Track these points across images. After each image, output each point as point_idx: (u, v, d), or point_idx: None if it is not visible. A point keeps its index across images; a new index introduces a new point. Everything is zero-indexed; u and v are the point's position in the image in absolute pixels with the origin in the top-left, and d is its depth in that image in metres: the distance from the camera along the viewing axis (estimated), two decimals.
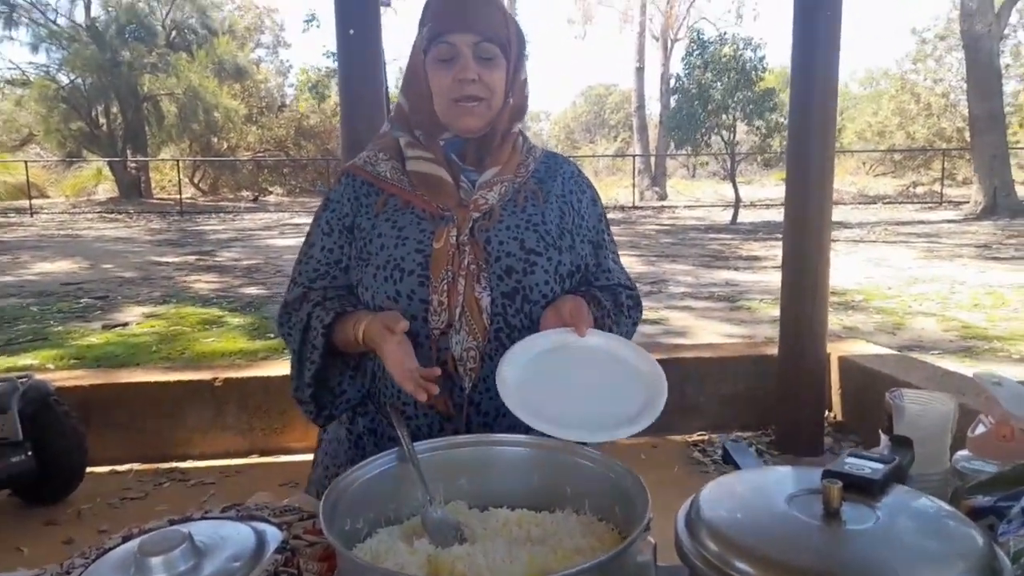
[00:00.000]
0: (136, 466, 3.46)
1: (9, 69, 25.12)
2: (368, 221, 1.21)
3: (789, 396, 3.61)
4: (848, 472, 0.72)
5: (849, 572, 0.61)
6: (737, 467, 1.05)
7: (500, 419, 1.15)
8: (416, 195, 1.20)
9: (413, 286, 1.13)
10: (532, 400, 1.02)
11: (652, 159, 25.35)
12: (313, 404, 1.21)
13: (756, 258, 10.89)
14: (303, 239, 1.29)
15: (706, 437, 3.77)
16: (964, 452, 0.97)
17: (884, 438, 0.94)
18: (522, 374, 1.06)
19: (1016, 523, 0.79)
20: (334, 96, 22.80)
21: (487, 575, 0.77)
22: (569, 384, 1.08)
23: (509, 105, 1.22)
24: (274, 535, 0.89)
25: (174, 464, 3.48)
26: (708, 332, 6.31)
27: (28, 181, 21.44)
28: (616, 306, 1.25)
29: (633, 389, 1.07)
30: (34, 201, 20.85)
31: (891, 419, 0.95)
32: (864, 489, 0.70)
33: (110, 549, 0.86)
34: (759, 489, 0.73)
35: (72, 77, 23.97)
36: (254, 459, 3.55)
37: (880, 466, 0.74)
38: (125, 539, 0.91)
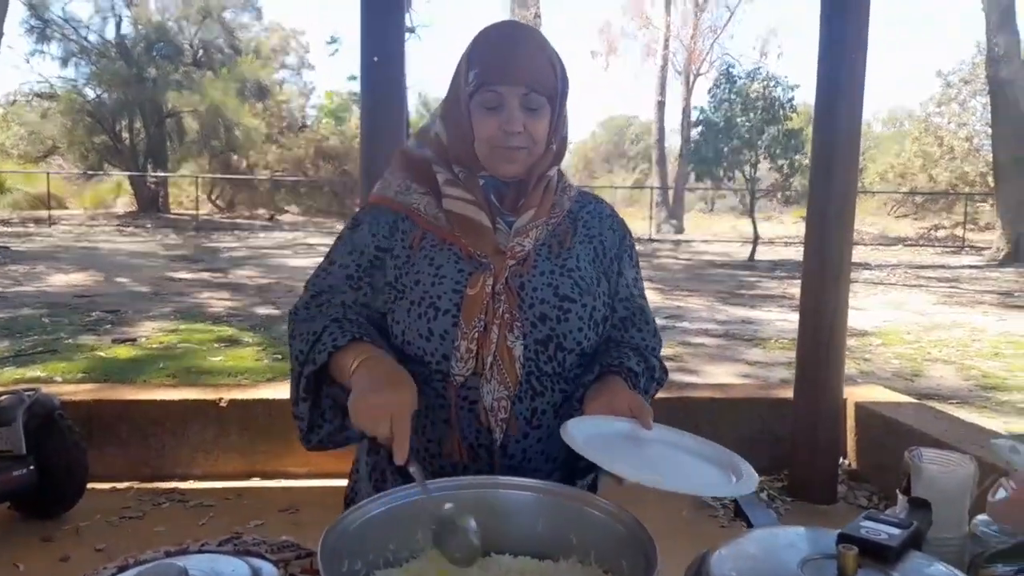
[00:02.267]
0: (136, 484, 3.43)
1: (38, 82, 25.62)
2: (404, 251, 1.19)
3: (803, 442, 3.54)
4: (864, 537, 0.69)
5: None
6: (748, 522, 1.02)
7: (526, 463, 1.13)
8: (453, 235, 1.17)
9: (447, 326, 1.11)
10: (600, 453, 0.96)
11: (670, 192, 25.40)
12: (304, 422, 1.15)
13: (773, 296, 10.82)
14: (318, 260, 1.26)
15: None
16: (983, 516, 0.93)
17: (902, 499, 0.91)
18: (588, 436, 1.00)
19: None
20: (354, 119, 23.10)
21: None
22: (639, 456, 1.02)
23: (551, 151, 1.21)
24: (270, 573, 0.87)
25: (174, 484, 3.45)
26: (722, 371, 6.24)
27: (48, 192, 21.78)
28: (647, 369, 1.23)
29: (708, 470, 1.03)
30: (53, 212, 21.11)
31: (909, 479, 0.91)
32: (880, 556, 0.68)
33: None
34: (771, 551, 0.70)
35: (98, 92, 24.44)
36: (255, 482, 3.52)
37: (897, 531, 0.71)
38: (120, 569, 0.89)
